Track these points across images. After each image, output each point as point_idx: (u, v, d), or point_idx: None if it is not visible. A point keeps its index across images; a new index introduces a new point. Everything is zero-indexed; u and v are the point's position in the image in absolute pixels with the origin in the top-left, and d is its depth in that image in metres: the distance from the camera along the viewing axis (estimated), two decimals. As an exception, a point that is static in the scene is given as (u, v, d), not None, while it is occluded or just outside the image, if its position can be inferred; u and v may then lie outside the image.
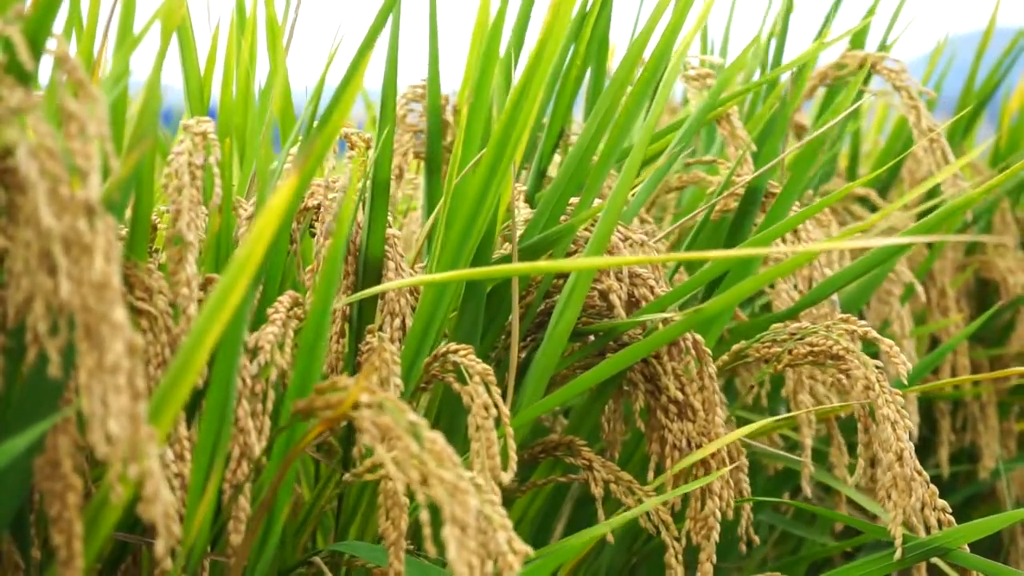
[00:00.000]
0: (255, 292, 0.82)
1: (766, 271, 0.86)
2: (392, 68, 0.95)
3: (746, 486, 0.96)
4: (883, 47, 1.41)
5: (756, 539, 0.97)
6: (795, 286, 1.15)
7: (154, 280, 0.76)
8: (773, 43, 1.31)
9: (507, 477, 0.80)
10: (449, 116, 1.20)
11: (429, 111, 1.06)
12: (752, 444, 1.10)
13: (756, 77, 1.31)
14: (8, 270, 0.65)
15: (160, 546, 0.64)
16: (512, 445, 0.81)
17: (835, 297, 1.11)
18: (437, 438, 0.67)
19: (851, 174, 1.69)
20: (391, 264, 0.92)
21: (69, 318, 0.62)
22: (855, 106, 1.26)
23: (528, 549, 0.66)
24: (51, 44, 0.67)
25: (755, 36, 1.21)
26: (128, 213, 0.78)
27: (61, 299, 0.61)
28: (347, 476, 0.77)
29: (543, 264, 0.90)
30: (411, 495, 0.80)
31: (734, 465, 0.95)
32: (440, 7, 1.01)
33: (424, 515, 0.65)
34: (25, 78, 0.65)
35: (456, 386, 0.84)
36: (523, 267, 0.87)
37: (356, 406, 0.69)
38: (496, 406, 0.81)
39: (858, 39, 1.40)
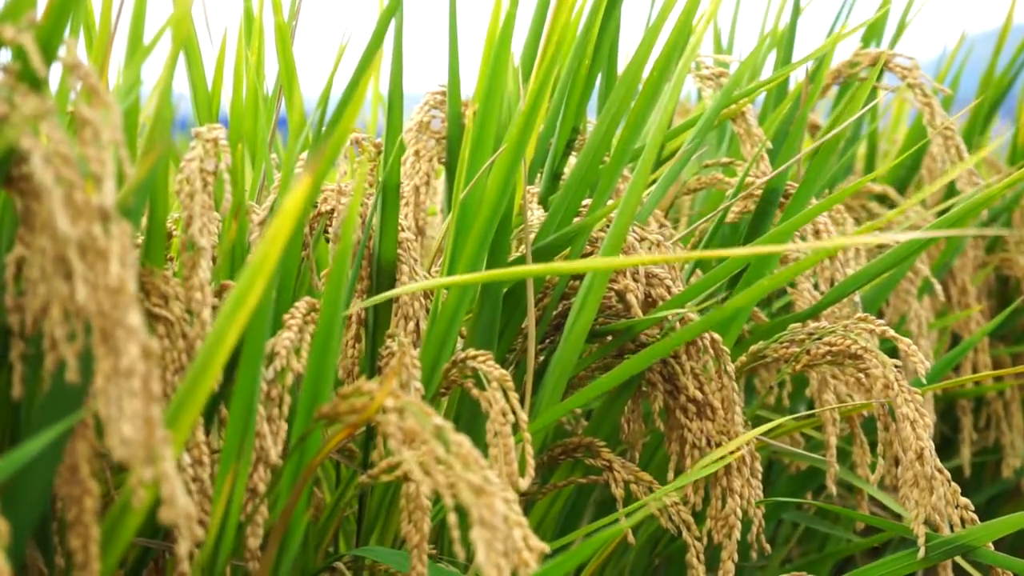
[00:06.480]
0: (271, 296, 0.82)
1: (785, 269, 0.86)
2: (397, 76, 0.95)
3: (758, 490, 0.95)
4: (895, 40, 1.40)
5: (767, 547, 0.96)
6: (816, 285, 1.14)
7: (170, 286, 0.76)
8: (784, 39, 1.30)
9: (525, 483, 0.79)
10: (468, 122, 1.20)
11: (449, 117, 1.06)
12: (775, 444, 1.09)
13: (767, 74, 1.31)
14: (26, 278, 0.66)
15: (182, 547, 0.64)
16: (530, 451, 0.81)
17: (857, 297, 1.10)
18: (463, 441, 0.67)
19: (868, 173, 1.68)
20: (404, 268, 0.92)
21: (86, 324, 0.62)
22: (871, 105, 1.25)
23: (544, 546, 0.66)
24: (62, 51, 0.67)
25: (767, 32, 1.21)
26: (144, 221, 0.78)
27: (77, 304, 0.61)
28: (363, 477, 0.77)
29: (558, 265, 0.89)
30: (434, 498, 0.80)
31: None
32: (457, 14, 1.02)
33: (452, 518, 0.65)
34: (38, 85, 0.66)
35: (475, 392, 0.84)
36: (538, 268, 0.87)
37: (381, 410, 0.69)
38: (514, 412, 0.81)
39: (872, 33, 1.39)
